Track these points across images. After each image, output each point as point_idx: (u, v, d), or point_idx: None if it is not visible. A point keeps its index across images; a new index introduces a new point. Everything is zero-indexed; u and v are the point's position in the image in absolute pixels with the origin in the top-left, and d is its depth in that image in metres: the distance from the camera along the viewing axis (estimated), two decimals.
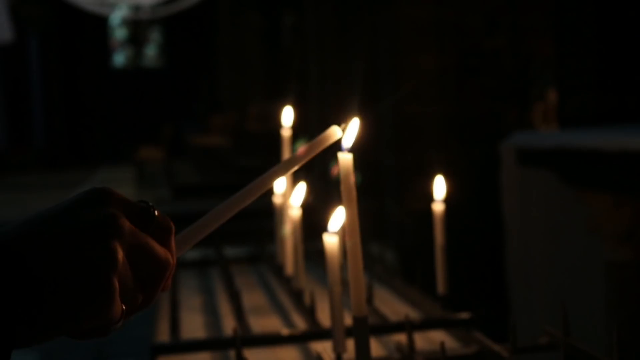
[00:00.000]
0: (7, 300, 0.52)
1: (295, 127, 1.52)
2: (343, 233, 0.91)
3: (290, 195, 1.44)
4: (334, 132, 0.77)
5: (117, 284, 0.56)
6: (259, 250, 2.11)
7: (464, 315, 1.31)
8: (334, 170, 0.84)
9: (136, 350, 4.18)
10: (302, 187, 1.36)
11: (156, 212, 0.62)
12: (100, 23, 17.91)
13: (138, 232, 0.60)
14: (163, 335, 1.40)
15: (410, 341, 1.13)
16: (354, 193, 0.86)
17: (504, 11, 3.89)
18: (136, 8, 12.36)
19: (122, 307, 0.58)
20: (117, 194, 0.61)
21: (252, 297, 1.70)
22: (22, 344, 0.55)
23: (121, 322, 0.59)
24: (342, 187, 0.86)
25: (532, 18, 3.91)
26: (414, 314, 1.46)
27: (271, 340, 1.29)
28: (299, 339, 1.30)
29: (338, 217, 0.90)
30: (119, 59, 19.27)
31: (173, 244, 0.64)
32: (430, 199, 1.32)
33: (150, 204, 0.63)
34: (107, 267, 0.56)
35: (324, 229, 0.92)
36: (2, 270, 0.53)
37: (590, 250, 2.69)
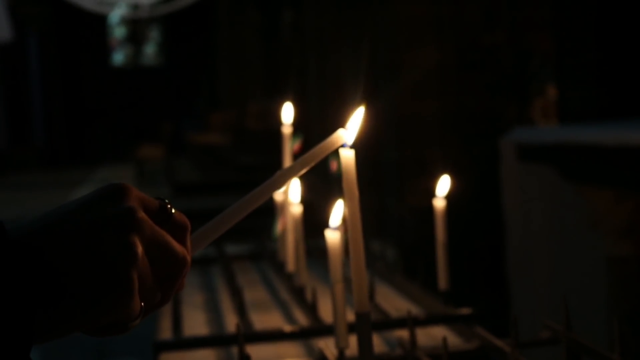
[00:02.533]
0: (25, 294, 0.52)
1: (296, 124, 1.52)
2: (345, 229, 0.91)
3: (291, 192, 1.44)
4: (340, 135, 0.77)
5: (136, 279, 0.56)
6: (260, 248, 2.11)
7: (466, 310, 1.31)
8: (334, 165, 0.84)
9: (138, 348, 4.19)
10: (297, 183, 1.37)
11: (173, 210, 0.62)
12: (99, 22, 17.90)
13: (157, 228, 0.59)
14: (165, 332, 1.40)
15: (412, 337, 1.13)
16: (355, 189, 0.86)
17: (503, 6, 3.89)
18: (135, 6, 12.36)
19: (141, 304, 0.58)
20: (135, 190, 0.60)
21: (254, 294, 1.70)
22: (40, 339, 0.54)
23: (139, 319, 0.59)
24: (344, 184, 0.86)
25: (531, 13, 3.91)
26: (415, 310, 1.46)
27: (273, 336, 1.29)
28: (301, 335, 1.31)
29: (338, 211, 0.90)
30: (118, 57, 19.26)
31: (189, 242, 0.63)
32: (431, 195, 1.32)
33: (167, 200, 0.62)
34: (127, 262, 0.55)
35: (325, 225, 0.92)
36: (19, 264, 0.52)
37: (591, 245, 2.69)
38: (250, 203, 0.71)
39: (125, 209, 0.58)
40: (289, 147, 1.51)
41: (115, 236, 0.56)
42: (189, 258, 0.62)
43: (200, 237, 0.67)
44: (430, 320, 1.35)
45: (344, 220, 0.89)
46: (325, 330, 1.27)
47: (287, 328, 1.32)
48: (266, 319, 1.50)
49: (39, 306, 0.53)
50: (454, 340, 1.30)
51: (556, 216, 2.94)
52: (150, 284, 0.59)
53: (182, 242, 0.62)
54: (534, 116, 3.82)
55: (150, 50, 19.45)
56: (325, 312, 1.37)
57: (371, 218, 4.23)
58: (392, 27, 3.94)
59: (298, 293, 1.52)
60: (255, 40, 11.94)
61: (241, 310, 1.42)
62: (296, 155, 1.51)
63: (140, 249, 0.57)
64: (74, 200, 0.59)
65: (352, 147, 0.82)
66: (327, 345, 1.08)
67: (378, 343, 1.31)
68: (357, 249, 0.87)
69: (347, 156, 0.83)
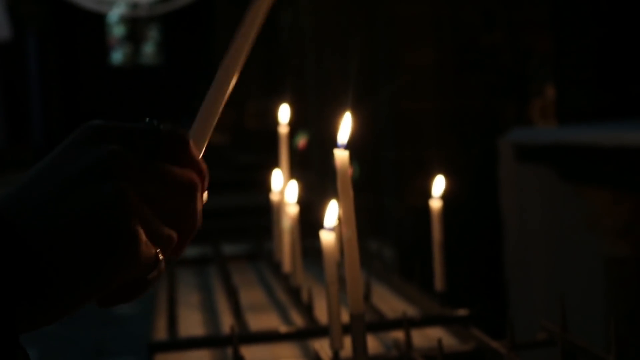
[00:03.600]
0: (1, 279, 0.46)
1: (293, 124, 1.52)
2: (340, 230, 0.91)
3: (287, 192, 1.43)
4: None
5: (138, 228, 0.50)
6: (256, 248, 2.11)
7: (462, 312, 1.31)
8: (302, 143, 0.81)
9: (134, 348, 4.19)
10: (294, 184, 1.36)
11: (161, 126, 0.54)
12: (98, 20, 17.90)
13: (146, 162, 0.52)
14: (161, 332, 1.40)
15: (408, 338, 1.13)
16: (350, 190, 0.85)
17: (501, 6, 3.89)
18: (134, 5, 12.35)
19: (155, 250, 0.52)
20: (110, 125, 0.53)
21: (249, 295, 1.69)
22: (40, 321, 0.49)
23: (160, 269, 0.53)
24: (339, 184, 0.85)
25: (530, 13, 3.91)
26: (411, 311, 1.46)
27: (269, 337, 1.29)
28: (296, 336, 1.30)
29: (332, 211, 0.90)
30: (117, 56, 19.25)
31: (192, 153, 0.56)
32: (428, 195, 1.32)
33: (154, 120, 0.55)
34: (119, 213, 0.49)
35: (321, 226, 0.91)
36: None
37: (588, 245, 2.69)
38: (224, 79, 0.65)
39: (105, 154, 0.50)
40: (285, 147, 1.51)
41: (98, 187, 0.49)
42: (198, 175, 0.55)
43: (200, 135, 0.60)
44: (426, 321, 1.34)
45: (340, 220, 0.89)
46: (321, 331, 1.27)
47: (283, 329, 1.31)
48: (262, 320, 1.50)
49: (18, 290, 0.47)
50: (449, 341, 1.29)
51: (554, 216, 2.94)
52: (159, 226, 0.52)
53: (184, 159, 0.55)
54: (533, 116, 3.82)
55: (149, 49, 19.45)
56: (322, 312, 1.36)
57: (369, 218, 4.23)
58: (390, 27, 3.93)
59: (294, 293, 1.51)
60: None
61: (237, 310, 1.41)
62: (300, 152, 1.51)
63: (132, 195, 0.50)
64: (47, 156, 0.52)
65: (346, 147, 0.82)
66: (322, 346, 1.08)
67: (374, 344, 1.31)
68: (351, 249, 0.86)
69: (341, 156, 0.82)
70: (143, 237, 0.50)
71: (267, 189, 1.56)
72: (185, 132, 0.56)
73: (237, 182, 7.66)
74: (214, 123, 0.61)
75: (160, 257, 0.52)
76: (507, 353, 1.06)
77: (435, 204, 1.31)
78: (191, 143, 0.56)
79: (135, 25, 19.01)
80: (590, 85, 3.02)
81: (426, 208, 1.34)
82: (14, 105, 16.79)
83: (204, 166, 0.56)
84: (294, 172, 1.51)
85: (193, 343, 1.29)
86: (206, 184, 0.57)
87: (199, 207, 0.55)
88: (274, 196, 1.57)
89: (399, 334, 1.24)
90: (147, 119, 0.55)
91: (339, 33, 5.59)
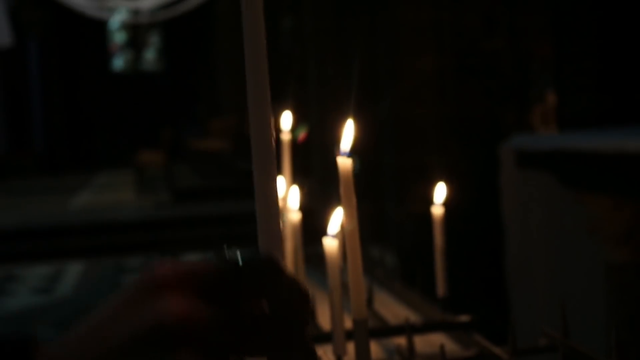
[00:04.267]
0: None
1: (295, 131, 1.52)
2: (343, 236, 0.91)
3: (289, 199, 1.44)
4: None
5: None
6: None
7: (464, 317, 1.31)
8: (301, 137, 0.80)
9: None
10: (296, 190, 1.37)
11: (243, 259, 0.44)
12: (99, 27, 17.93)
13: (225, 317, 0.43)
14: None
15: (410, 344, 1.13)
16: (353, 197, 0.86)
17: (502, 12, 3.90)
18: (135, 12, 12.37)
19: None
20: (170, 273, 0.42)
21: None
22: None
23: None
24: (342, 191, 0.86)
25: (531, 19, 3.92)
26: (413, 317, 1.46)
27: None
28: None
29: (336, 219, 0.90)
30: (118, 63, 19.28)
31: (290, 281, 0.44)
32: (429, 200, 1.32)
33: (230, 250, 0.45)
34: None
35: (324, 232, 0.92)
36: None
37: (589, 251, 2.69)
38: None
39: (158, 317, 0.41)
40: (287, 153, 1.51)
41: None
42: (303, 295, 0.44)
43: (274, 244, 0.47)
44: (428, 327, 1.35)
45: (343, 227, 0.89)
46: (324, 338, 1.27)
47: None
48: None
49: None
50: (452, 347, 1.29)
51: (555, 223, 2.94)
52: None
53: (281, 290, 0.44)
54: (534, 123, 3.83)
55: (150, 55, 19.48)
56: (325, 318, 1.37)
57: (370, 223, 4.23)
58: (392, 33, 3.94)
59: None
60: None
61: None
62: (300, 145, 1.52)
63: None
64: (99, 307, 0.43)
65: (349, 155, 0.82)
66: (326, 352, 1.08)
67: (376, 350, 1.31)
68: (354, 255, 0.87)
69: (345, 163, 0.83)
70: None
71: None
72: (275, 257, 0.45)
73: (238, 188, 7.67)
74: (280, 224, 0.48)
75: None
76: (509, 359, 1.06)
77: (437, 210, 1.31)
78: (285, 267, 0.45)
79: (136, 32, 19.05)
80: (591, 92, 3.03)
81: (427, 214, 1.34)
82: (15, 112, 16.82)
83: (306, 290, 0.45)
84: (296, 178, 1.51)
85: None
86: (309, 308, 0.46)
87: (304, 339, 0.45)
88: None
89: (401, 340, 1.24)
90: (223, 247, 0.46)
91: (340, 39, 5.60)
